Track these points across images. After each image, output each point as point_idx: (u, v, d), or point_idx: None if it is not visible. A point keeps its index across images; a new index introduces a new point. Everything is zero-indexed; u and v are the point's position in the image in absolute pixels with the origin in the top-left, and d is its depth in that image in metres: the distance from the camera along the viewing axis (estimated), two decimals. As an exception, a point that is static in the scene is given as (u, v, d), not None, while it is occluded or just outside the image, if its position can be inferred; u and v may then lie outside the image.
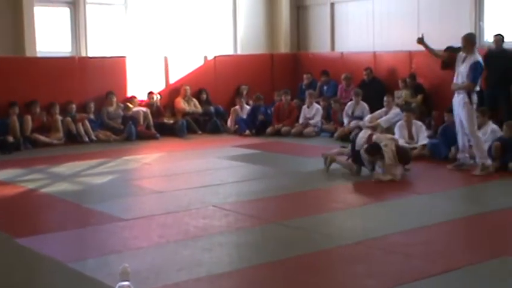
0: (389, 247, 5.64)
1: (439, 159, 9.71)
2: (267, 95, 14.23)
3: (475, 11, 12.35)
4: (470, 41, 8.78)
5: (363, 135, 8.77)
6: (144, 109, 13.27)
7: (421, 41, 9.09)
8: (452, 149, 9.55)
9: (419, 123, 10.66)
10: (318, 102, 13.52)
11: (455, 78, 8.85)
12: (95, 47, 13.59)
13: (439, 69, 12.12)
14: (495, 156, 8.99)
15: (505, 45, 11.16)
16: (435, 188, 8.15)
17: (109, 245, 5.89)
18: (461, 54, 8.81)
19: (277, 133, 13.13)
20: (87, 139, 12.38)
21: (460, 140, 8.97)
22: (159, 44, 14.26)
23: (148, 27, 14.20)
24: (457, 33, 12.04)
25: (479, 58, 8.68)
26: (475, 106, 8.74)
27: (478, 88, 8.78)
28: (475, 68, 8.60)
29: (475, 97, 8.70)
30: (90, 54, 13.46)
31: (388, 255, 5.45)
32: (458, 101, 8.77)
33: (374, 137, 8.65)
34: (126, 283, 2.90)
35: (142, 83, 13.65)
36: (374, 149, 8.34)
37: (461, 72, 8.72)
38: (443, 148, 9.85)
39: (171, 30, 14.50)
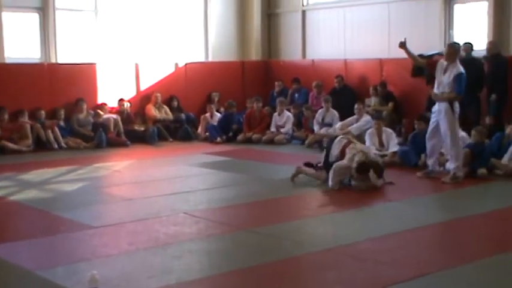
0: (359, 254, 5.67)
1: (409, 166, 9.79)
2: (238, 103, 14.22)
3: (444, 20, 12.53)
4: (455, 50, 8.77)
5: (338, 143, 8.70)
6: (114, 116, 13.18)
7: (403, 45, 9.01)
8: (422, 156, 9.64)
9: (390, 130, 10.74)
10: (289, 110, 13.56)
11: (436, 87, 8.82)
12: (65, 54, 13.48)
13: (409, 77, 12.33)
14: (465, 162, 9.10)
15: (474, 54, 11.31)
16: (405, 195, 8.21)
17: (78, 252, 5.82)
18: (443, 63, 8.76)
19: (248, 140, 13.13)
20: (56, 146, 12.25)
21: (430, 146, 9.00)
22: (130, 50, 14.19)
23: (119, 33, 14.13)
24: (427, 42, 12.29)
25: (462, 69, 8.64)
26: (457, 115, 8.74)
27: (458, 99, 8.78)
28: (460, 79, 8.57)
29: (457, 106, 8.70)
30: (59, 61, 13.34)
31: (358, 262, 5.47)
32: (439, 109, 8.74)
33: (348, 148, 8.54)
34: (95, 291, 2.87)
35: (113, 90, 13.57)
36: (363, 168, 8.19)
37: (444, 82, 8.68)
38: (413, 155, 9.94)
39: (142, 37, 14.45)
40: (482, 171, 9.00)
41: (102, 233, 6.48)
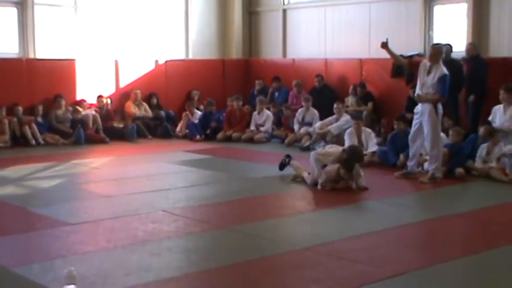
0: (336, 253, 5.68)
1: (387, 166, 9.85)
2: (218, 101, 14.23)
3: (424, 21, 12.62)
4: (439, 52, 8.77)
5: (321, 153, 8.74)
6: (93, 113, 13.10)
7: (385, 45, 9.00)
8: (401, 156, 9.71)
9: (369, 130, 10.80)
10: (268, 109, 13.57)
11: (418, 88, 8.83)
12: (44, 49, 13.35)
13: (389, 77, 12.41)
14: (443, 162, 9.18)
15: (453, 55, 11.40)
16: (384, 194, 8.26)
17: (54, 249, 5.77)
18: (426, 63, 8.78)
19: (228, 139, 13.12)
20: (34, 142, 12.15)
21: (413, 148, 9.02)
22: (110, 47, 14.10)
23: (98, 30, 14.03)
24: (407, 43, 12.37)
25: (446, 71, 8.68)
26: (440, 116, 8.78)
27: (442, 100, 8.83)
28: (444, 81, 8.61)
29: (440, 108, 8.73)
30: (38, 56, 13.21)
31: (336, 261, 5.49)
32: (422, 110, 8.76)
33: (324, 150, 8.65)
34: (72, 287, 2.83)
35: (92, 87, 13.48)
36: (349, 165, 8.20)
37: (428, 83, 8.70)
38: (392, 155, 10.00)
39: (122, 33, 14.36)
40: (459, 171, 9.08)
41: (79, 230, 6.44)
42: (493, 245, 5.98)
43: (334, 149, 8.76)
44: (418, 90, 8.86)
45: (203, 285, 5.01)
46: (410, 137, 9.06)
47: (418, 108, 8.88)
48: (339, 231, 6.44)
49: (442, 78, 8.59)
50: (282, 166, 9.21)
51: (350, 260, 5.49)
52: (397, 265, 5.38)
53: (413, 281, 5.04)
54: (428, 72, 8.71)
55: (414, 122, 8.98)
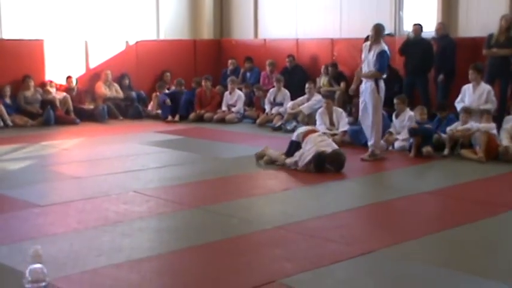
0: (308, 231, 5.71)
1: (359, 145, 9.90)
2: (189, 81, 14.13)
3: (395, 1, 12.65)
4: (379, 31, 8.91)
5: (301, 132, 8.63)
6: (63, 94, 12.94)
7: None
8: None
9: (340, 110, 10.83)
10: (240, 89, 13.53)
11: (363, 66, 8.97)
12: (11, 29, 13.10)
13: (360, 57, 12.40)
14: (415, 142, 9.27)
15: (424, 35, 11.47)
16: (355, 173, 8.30)
17: (23, 231, 5.70)
18: (367, 43, 8.97)
19: (200, 119, 13.08)
20: (2, 124, 11.97)
21: (366, 127, 9.12)
22: (79, 27, 13.89)
23: (68, 9, 13.80)
24: (377, 22, 12.36)
25: (386, 47, 8.83)
26: (382, 93, 8.87)
27: (385, 76, 8.92)
28: (381, 56, 8.73)
29: (382, 84, 8.85)
30: (5, 36, 12.97)
31: (308, 239, 5.52)
32: (365, 88, 8.90)
33: (312, 135, 8.53)
34: (39, 266, 2.79)
35: (62, 67, 13.29)
36: (320, 163, 8.08)
37: (369, 60, 8.84)
38: (363, 135, 10.02)
39: (92, 13, 14.14)
40: (427, 149, 9.16)
41: (49, 212, 6.37)
42: (461, 222, 6.06)
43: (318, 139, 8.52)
44: (362, 68, 8.98)
45: (175, 265, 5.00)
46: (360, 117, 9.22)
47: (362, 86, 8.99)
48: (311, 210, 6.46)
49: (379, 54, 8.72)
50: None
51: (322, 239, 5.52)
52: (368, 243, 5.43)
53: (384, 258, 5.09)
54: (369, 51, 8.85)
55: (360, 100, 9.11)
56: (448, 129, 9.28)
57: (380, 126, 9.05)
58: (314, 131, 8.68)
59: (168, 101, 13.17)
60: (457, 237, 5.67)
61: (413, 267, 4.92)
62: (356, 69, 12.58)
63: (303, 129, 8.78)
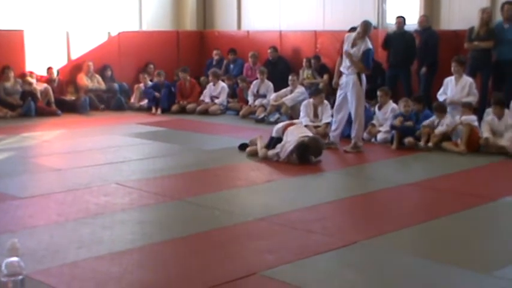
0: (291, 223, 5.71)
1: (342, 137, 9.89)
2: (172, 73, 14.06)
3: (378, -6, 12.65)
4: (367, 28, 8.85)
5: (280, 126, 8.69)
6: (44, 85, 12.82)
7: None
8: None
9: (326, 102, 10.81)
10: (223, 81, 13.50)
11: (343, 59, 8.91)
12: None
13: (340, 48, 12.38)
14: (397, 133, 9.31)
15: (407, 27, 11.49)
16: (337, 165, 8.33)
17: (2, 224, 5.62)
18: (350, 36, 8.91)
19: (183, 111, 13.03)
20: (-18, 115, 11.86)
21: (337, 119, 9.12)
22: (60, 18, 13.75)
23: (48, 0, 13.65)
24: (360, 15, 12.35)
25: (370, 45, 8.85)
26: (364, 86, 8.90)
27: (366, 72, 8.96)
28: (368, 55, 8.79)
29: (364, 77, 8.87)
30: (-16, 27, 12.84)
31: (290, 231, 5.51)
32: (347, 81, 8.89)
33: (291, 127, 8.55)
34: (15, 259, 2.75)
35: (43, 58, 13.16)
36: (302, 153, 8.13)
37: (353, 54, 8.78)
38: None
39: (73, 3, 14.00)
40: (409, 140, 9.20)
41: (29, 204, 6.31)
42: (442, 213, 6.09)
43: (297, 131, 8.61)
44: (343, 62, 8.93)
45: (156, 257, 4.97)
46: (335, 108, 9.23)
47: (343, 79, 8.96)
48: (293, 202, 6.46)
49: (365, 52, 8.75)
50: (243, 146, 9.06)
51: (304, 230, 5.52)
52: (350, 234, 5.44)
53: (366, 249, 5.10)
54: (353, 45, 8.79)
55: (338, 93, 9.10)
56: (422, 125, 9.31)
57: (363, 118, 9.08)
58: (292, 124, 8.71)
59: (157, 94, 13.08)
60: (439, 229, 5.70)
61: (395, 258, 4.94)
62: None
63: (281, 124, 8.81)
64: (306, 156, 8.14)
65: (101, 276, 4.50)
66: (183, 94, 13.36)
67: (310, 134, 8.49)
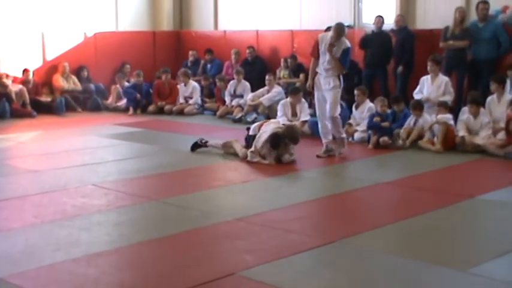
0: (269, 223, 5.71)
1: (318, 137, 9.90)
2: (149, 73, 13.99)
3: (354, -7, 12.70)
4: (340, 32, 8.44)
5: (256, 125, 8.76)
6: (19, 86, 12.68)
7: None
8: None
9: (303, 100, 10.83)
10: (199, 81, 13.46)
11: (321, 62, 8.53)
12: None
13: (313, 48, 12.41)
14: (373, 132, 9.36)
15: (384, 27, 11.52)
16: (314, 165, 8.34)
17: (-22, 227, 5.57)
18: (326, 36, 8.56)
19: (160, 111, 12.98)
20: (-45, 117, 11.69)
21: (322, 125, 8.74)
22: (35, 18, 13.61)
23: (23, 0, 13.51)
24: (337, 14, 12.43)
25: (349, 44, 8.61)
26: (341, 87, 8.62)
27: (344, 72, 8.71)
28: (347, 54, 8.51)
29: (341, 78, 8.60)
30: (-42, 28, 12.67)
31: (268, 231, 5.51)
32: (325, 83, 8.55)
33: (265, 123, 8.61)
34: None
35: (17, 59, 13.02)
36: (276, 140, 8.19)
37: (334, 54, 8.44)
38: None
39: (49, 4, 13.87)
40: (384, 139, 9.25)
41: (4, 206, 6.23)
42: (419, 212, 6.13)
43: (273, 125, 8.65)
44: (321, 62, 8.56)
45: (134, 259, 4.95)
46: (317, 113, 8.80)
47: (320, 80, 8.62)
48: (271, 202, 6.46)
49: (345, 51, 8.46)
50: (195, 146, 9.02)
51: (282, 230, 5.52)
52: (328, 233, 5.45)
53: (344, 248, 5.12)
54: (331, 47, 8.42)
55: (316, 95, 8.73)
56: (402, 129, 9.36)
57: (338, 120, 8.71)
58: (265, 121, 8.80)
59: (138, 96, 12.99)
60: (416, 227, 5.73)
61: (373, 257, 4.96)
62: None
63: (257, 123, 8.87)
64: (279, 144, 8.19)
65: (78, 278, 4.47)
66: (161, 95, 13.29)
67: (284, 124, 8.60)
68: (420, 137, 9.27)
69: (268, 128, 8.40)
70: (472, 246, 5.30)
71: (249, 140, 8.57)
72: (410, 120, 9.42)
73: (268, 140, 8.20)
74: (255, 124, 8.86)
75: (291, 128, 8.57)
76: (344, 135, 8.83)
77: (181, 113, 12.84)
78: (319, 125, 8.89)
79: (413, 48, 11.19)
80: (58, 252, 4.93)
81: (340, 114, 8.75)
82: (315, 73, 8.71)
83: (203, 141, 9.00)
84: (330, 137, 8.79)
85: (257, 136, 8.40)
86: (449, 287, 4.41)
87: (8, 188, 7.05)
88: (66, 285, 4.35)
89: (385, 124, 9.38)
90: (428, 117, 9.44)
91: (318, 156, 8.74)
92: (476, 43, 10.34)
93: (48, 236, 5.32)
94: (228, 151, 8.72)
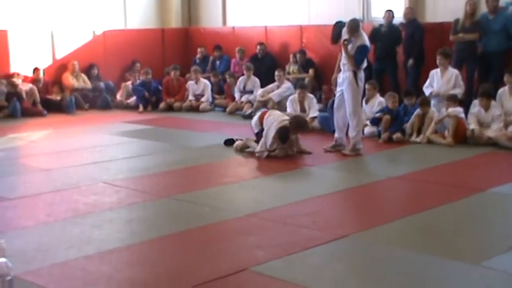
0: (280, 218, 5.71)
1: (328, 132, 9.90)
2: (158, 70, 14.02)
3: (364, -13, 12.66)
4: (353, 28, 8.43)
5: (256, 120, 8.77)
6: (29, 85, 12.74)
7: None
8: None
9: (311, 96, 10.84)
10: (209, 78, 13.47)
11: (341, 55, 8.60)
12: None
13: (329, 43, 12.40)
14: (384, 128, 9.33)
15: (394, 21, 11.48)
16: (324, 159, 8.33)
17: (-9, 225, 5.61)
18: (345, 32, 8.51)
19: (170, 108, 13.00)
20: (-33, 117, 11.76)
21: (339, 118, 8.73)
22: (45, 17, 13.65)
23: (32, 0, 13.55)
24: (345, 9, 12.41)
25: (367, 41, 8.54)
26: (362, 83, 8.57)
27: (365, 65, 8.63)
28: (361, 51, 8.43)
29: (361, 75, 8.52)
30: (-32, 28, 12.73)
31: (280, 226, 5.51)
32: (343, 78, 8.54)
33: (266, 115, 8.61)
34: (3, 260, 2.74)
35: (27, 58, 13.07)
36: (285, 134, 8.23)
37: (349, 51, 8.45)
38: (332, 121, 10.05)
39: (58, 3, 13.90)
40: (397, 135, 9.23)
41: (18, 205, 6.28)
42: (431, 205, 6.11)
43: (276, 115, 8.69)
44: (340, 57, 8.61)
45: (146, 255, 4.96)
46: (334, 106, 8.80)
47: (341, 76, 8.60)
48: (282, 197, 6.46)
49: (359, 48, 8.40)
50: (229, 142, 9.05)
51: (294, 225, 5.52)
52: (340, 228, 5.45)
53: (356, 243, 5.12)
54: (349, 42, 8.42)
55: (337, 90, 8.71)
56: (408, 125, 9.37)
57: (360, 118, 8.65)
58: (265, 113, 8.77)
59: (146, 94, 13.02)
60: (428, 221, 5.72)
61: (385, 251, 4.95)
62: (325, 55, 12.67)
63: (255, 118, 8.84)
64: (288, 137, 8.26)
65: (91, 275, 4.49)
66: (170, 92, 13.31)
67: (287, 116, 8.58)
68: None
69: (271, 121, 8.37)
70: (484, 239, 5.27)
71: (259, 137, 8.56)
72: (415, 115, 9.37)
73: (277, 135, 8.20)
74: (254, 120, 8.82)
75: (298, 118, 8.59)
76: (354, 134, 8.56)
77: (191, 109, 12.85)
78: (334, 119, 8.87)
79: (423, 41, 11.15)
80: (71, 249, 4.95)
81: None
82: (339, 68, 8.66)
83: (237, 138, 9.00)
84: (343, 133, 8.78)
85: (264, 132, 8.38)
86: (462, 280, 4.40)
87: (21, 186, 7.09)
88: (79, 282, 4.37)
89: (386, 117, 9.31)
90: (438, 111, 9.40)
91: (325, 150, 8.74)
92: (487, 35, 10.29)
93: (60, 234, 5.35)
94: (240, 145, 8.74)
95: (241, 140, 8.89)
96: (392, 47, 11.32)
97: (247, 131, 9.27)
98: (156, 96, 13.21)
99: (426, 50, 11.05)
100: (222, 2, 15.08)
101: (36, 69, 13.05)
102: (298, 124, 8.39)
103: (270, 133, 8.28)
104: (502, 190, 6.65)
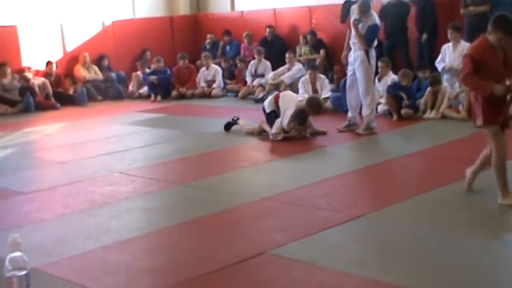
0: (296, 200, 5.71)
1: (341, 112, 9.86)
2: (169, 58, 14.00)
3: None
4: (363, 9, 8.35)
5: (270, 100, 8.78)
6: (41, 79, 12.78)
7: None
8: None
9: (323, 77, 10.80)
10: (219, 63, 13.44)
11: (350, 31, 8.52)
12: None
13: (338, 23, 12.33)
14: (392, 106, 9.28)
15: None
16: (339, 140, 8.30)
17: (9, 220, 5.62)
18: (355, 10, 8.43)
19: (182, 96, 12.99)
20: (-19, 113, 11.83)
21: (352, 98, 8.69)
22: (53, 11, 13.67)
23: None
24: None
25: (377, 20, 8.49)
26: (373, 61, 8.49)
27: (376, 43, 8.60)
28: (372, 30, 8.38)
29: (373, 53, 8.46)
30: (-22, 24, 12.77)
31: (296, 209, 5.51)
32: (354, 57, 8.47)
33: (280, 99, 8.60)
34: (18, 254, 2.75)
35: (38, 52, 13.11)
36: (303, 116, 8.25)
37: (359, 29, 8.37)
38: (345, 101, 10.00)
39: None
40: (406, 111, 9.17)
41: (35, 199, 6.31)
42: (446, 182, 6.06)
43: (293, 96, 8.71)
44: (349, 33, 8.57)
45: (164, 243, 4.98)
46: (347, 85, 8.77)
47: (352, 54, 8.54)
48: (297, 179, 6.44)
49: (370, 28, 8.35)
50: (229, 126, 9.08)
51: (310, 207, 5.52)
52: (356, 208, 5.43)
53: (372, 222, 5.11)
54: (359, 21, 8.35)
55: (348, 69, 8.66)
56: (422, 101, 9.33)
57: (373, 96, 8.59)
58: (279, 95, 8.80)
59: (154, 80, 13.02)
60: (444, 197, 5.68)
61: (403, 229, 4.94)
62: (336, 35, 12.58)
63: (269, 99, 8.85)
64: (306, 119, 8.31)
65: (110, 265, 4.52)
66: (181, 80, 13.29)
67: (302, 97, 8.63)
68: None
69: (287, 103, 8.37)
70: (501, 213, 5.23)
71: (271, 118, 8.52)
72: (428, 92, 9.30)
73: (294, 117, 8.17)
74: (268, 100, 8.82)
75: (312, 99, 8.58)
76: (368, 112, 8.49)
77: (203, 96, 12.84)
78: (347, 97, 8.83)
79: (435, 15, 11.03)
80: (89, 240, 4.98)
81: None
82: (349, 46, 8.58)
83: (234, 118, 9.01)
84: (356, 112, 8.74)
85: (281, 114, 8.36)
86: (482, 255, 4.37)
87: (37, 180, 7.14)
88: (99, 272, 4.40)
89: (390, 98, 9.28)
90: (449, 86, 9.33)
91: (338, 130, 8.71)
92: (497, 7, 10.14)
93: (78, 225, 5.38)
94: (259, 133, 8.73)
95: (238, 118, 8.94)
96: (403, 23, 11.23)
97: (259, 115, 9.24)
98: (169, 84, 13.17)
99: (439, 25, 10.93)
100: (229, -14, 15.01)
101: (49, 63, 13.09)
102: (313, 106, 8.36)
103: (288, 113, 8.25)
104: (519, 163, 6.59)
